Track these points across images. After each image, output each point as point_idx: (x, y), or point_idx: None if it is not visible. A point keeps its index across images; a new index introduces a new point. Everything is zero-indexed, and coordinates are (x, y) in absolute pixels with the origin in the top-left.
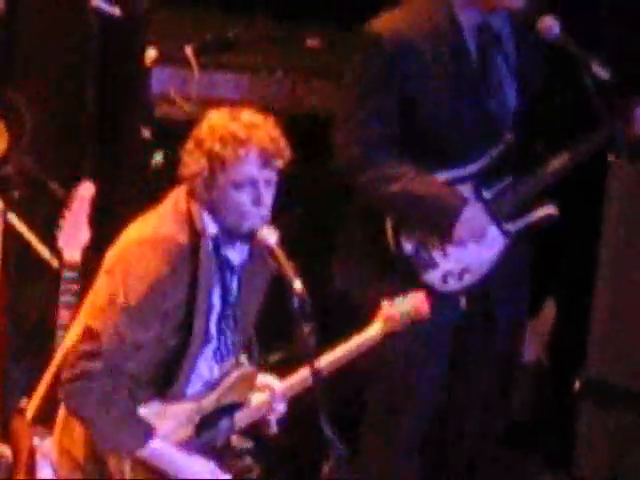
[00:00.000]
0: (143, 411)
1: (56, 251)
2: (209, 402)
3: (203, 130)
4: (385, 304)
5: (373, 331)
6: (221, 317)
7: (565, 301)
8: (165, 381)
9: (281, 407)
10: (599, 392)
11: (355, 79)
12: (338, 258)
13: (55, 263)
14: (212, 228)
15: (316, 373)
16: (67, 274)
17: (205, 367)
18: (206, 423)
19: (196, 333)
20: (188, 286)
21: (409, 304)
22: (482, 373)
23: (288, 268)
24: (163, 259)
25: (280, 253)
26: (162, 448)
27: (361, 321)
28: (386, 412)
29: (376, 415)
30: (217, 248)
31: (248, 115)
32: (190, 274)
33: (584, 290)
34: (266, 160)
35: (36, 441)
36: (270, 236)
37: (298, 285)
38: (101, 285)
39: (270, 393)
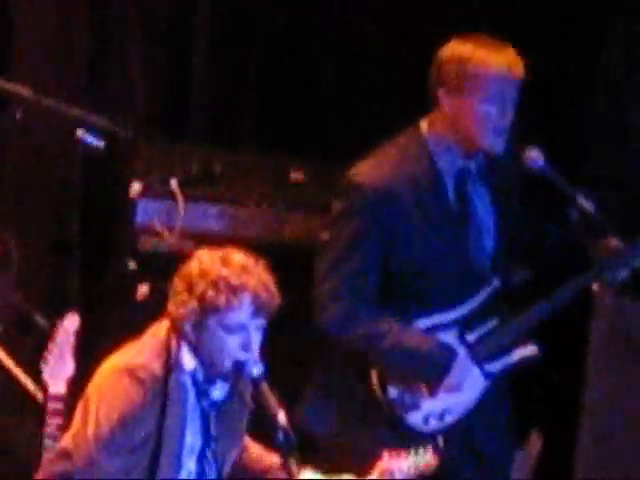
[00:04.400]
0: None
1: (41, 384)
2: None
3: (194, 272)
4: (385, 455)
5: None
6: (202, 454)
7: (552, 431)
8: None
9: None
10: None
11: (337, 232)
12: (313, 401)
13: (40, 396)
14: (190, 363)
15: None
16: (52, 406)
17: None
18: None
19: (163, 468)
20: (158, 418)
21: (416, 459)
22: None
23: (272, 401)
24: (135, 388)
25: (265, 386)
26: None
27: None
28: None
29: None
30: (196, 383)
31: (240, 258)
32: (161, 406)
33: (570, 420)
34: (259, 308)
35: None
36: (254, 368)
37: (282, 418)
38: (79, 409)
39: None
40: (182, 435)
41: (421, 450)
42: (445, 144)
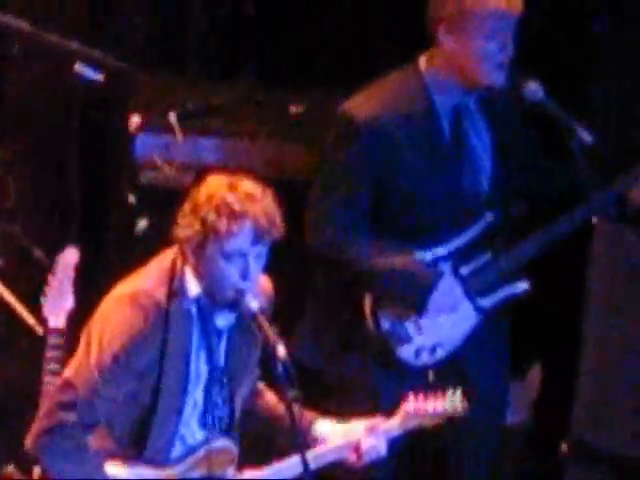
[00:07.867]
0: (110, 469)
1: (41, 318)
2: (179, 470)
3: (201, 195)
4: (410, 398)
5: (391, 425)
6: (209, 382)
7: (551, 364)
8: (140, 441)
9: None
10: (585, 455)
11: (328, 161)
12: (306, 334)
13: (40, 330)
14: (195, 289)
15: (299, 439)
16: (52, 340)
17: (189, 432)
18: None
19: (165, 395)
20: (161, 345)
21: (443, 402)
22: (464, 442)
23: (271, 333)
24: (137, 314)
25: (263, 319)
26: None
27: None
28: None
29: None
30: (201, 310)
31: (247, 186)
32: (163, 333)
33: (570, 353)
34: (258, 236)
35: None
36: (252, 302)
37: (282, 350)
38: (82, 339)
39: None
40: (186, 363)
41: (449, 393)
42: (443, 80)
